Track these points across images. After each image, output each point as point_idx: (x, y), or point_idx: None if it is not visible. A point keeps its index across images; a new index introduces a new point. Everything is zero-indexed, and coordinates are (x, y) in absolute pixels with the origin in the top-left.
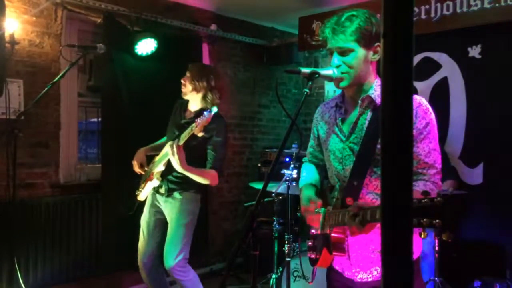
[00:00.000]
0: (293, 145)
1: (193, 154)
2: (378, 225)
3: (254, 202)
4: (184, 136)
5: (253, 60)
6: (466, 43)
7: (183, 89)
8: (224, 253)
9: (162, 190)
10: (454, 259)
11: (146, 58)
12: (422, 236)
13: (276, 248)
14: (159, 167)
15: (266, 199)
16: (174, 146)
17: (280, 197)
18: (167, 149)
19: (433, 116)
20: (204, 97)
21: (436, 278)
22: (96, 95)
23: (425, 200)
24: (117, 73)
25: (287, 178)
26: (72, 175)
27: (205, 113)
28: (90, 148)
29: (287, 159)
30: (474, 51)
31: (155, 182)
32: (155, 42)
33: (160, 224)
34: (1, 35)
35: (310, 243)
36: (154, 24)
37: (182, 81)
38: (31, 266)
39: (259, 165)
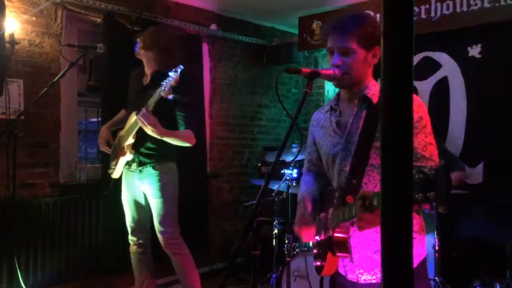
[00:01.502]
0: (293, 145)
1: (163, 120)
2: None
3: (254, 202)
4: (153, 102)
5: (253, 60)
6: (466, 42)
7: (139, 57)
8: (224, 253)
9: (134, 166)
10: (454, 259)
11: None
12: (419, 213)
13: (276, 248)
14: (129, 140)
15: (266, 199)
16: (145, 113)
17: (281, 197)
18: (133, 120)
19: (426, 111)
20: (156, 60)
21: (436, 278)
22: (96, 95)
23: (419, 175)
24: (117, 73)
25: (288, 178)
26: (72, 175)
27: (171, 74)
28: (90, 148)
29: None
30: (474, 51)
31: (128, 156)
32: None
33: (138, 201)
34: (1, 35)
35: (315, 251)
36: (154, 24)
37: (136, 54)
38: (31, 266)
39: (259, 165)
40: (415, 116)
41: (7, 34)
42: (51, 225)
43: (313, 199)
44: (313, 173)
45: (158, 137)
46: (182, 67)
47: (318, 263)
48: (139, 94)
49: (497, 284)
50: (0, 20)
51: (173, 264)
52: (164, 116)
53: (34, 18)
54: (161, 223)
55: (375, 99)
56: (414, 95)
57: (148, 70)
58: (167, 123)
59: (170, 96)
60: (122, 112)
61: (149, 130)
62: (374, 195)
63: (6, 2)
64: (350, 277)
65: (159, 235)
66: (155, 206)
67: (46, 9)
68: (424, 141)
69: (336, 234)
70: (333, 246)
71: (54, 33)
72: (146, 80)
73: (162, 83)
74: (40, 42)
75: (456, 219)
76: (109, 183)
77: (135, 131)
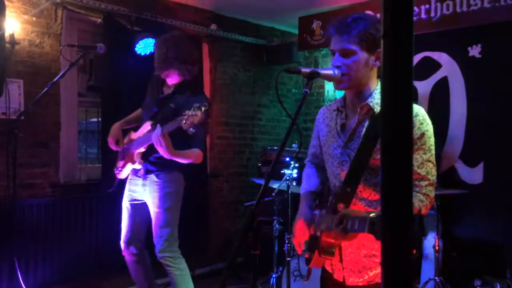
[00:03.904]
0: (293, 145)
1: (177, 137)
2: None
3: (254, 202)
4: (170, 129)
5: (253, 60)
6: (466, 42)
7: (159, 72)
8: (224, 253)
9: (140, 172)
10: (454, 259)
11: (146, 58)
12: None
13: (276, 248)
14: (140, 149)
15: (266, 199)
16: (159, 135)
17: (280, 197)
18: (147, 130)
19: (430, 127)
20: (179, 72)
21: (436, 278)
22: (96, 95)
23: None
24: (117, 73)
25: (288, 178)
26: (72, 175)
27: (195, 107)
28: (90, 148)
29: (287, 159)
30: (474, 51)
31: (136, 165)
32: (155, 42)
33: (139, 207)
34: (1, 35)
35: (307, 243)
36: (154, 24)
37: (155, 57)
38: (31, 266)
39: (260, 164)
40: (417, 132)
41: (7, 34)
42: (51, 225)
43: (315, 194)
44: (315, 166)
45: (168, 157)
46: (208, 105)
47: (307, 256)
48: (158, 103)
49: (497, 284)
50: (0, 20)
51: (169, 278)
52: (178, 135)
53: (34, 18)
54: (158, 235)
55: (378, 109)
56: (420, 108)
57: (169, 81)
58: (180, 142)
59: (191, 130)
60: (138, 111)
61: (161, 150)
62: (349, 219)
63: (6, 3)
64: (337, 276)
65: (155, 246)
66: (155, 216)
67: (46, 9)
68: (421, 158)
69: (323, 238)
70: (319, 248)
71: (54, 33)
72: (168, 89)
73: (184, 113)
74: (40, 42)
75: (456, 219)
76: (113, 181)
77: (148, 143)
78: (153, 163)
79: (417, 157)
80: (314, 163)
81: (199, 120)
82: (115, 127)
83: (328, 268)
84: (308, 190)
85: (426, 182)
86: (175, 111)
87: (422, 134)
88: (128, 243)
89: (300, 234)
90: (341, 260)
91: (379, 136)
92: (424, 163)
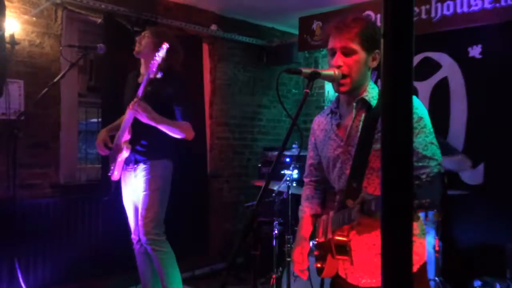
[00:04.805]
0: (294, 145)
1: (162, 111)
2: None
3: (254, 202)
4: (142, 88)
5: (253, 60)
6: (466, 43)
7: (137, 48)
8: (224, 253)
9: (130, 166)
10: (454, 259)
11: None
12: (414, 219)
13: (276, 248)
14: (125, 137)
15: (266, 199)
16: (136, 100)
17: (281, 197)
18: (127, 115)
19: (425, 112)
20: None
21: (436, 278)
22: (96, 95)
23: (416, 182)
24: (117, 73)
25: (288, 179)
26: (72, 175)
27: (157, 54)
28: (90, 148)
29: (288, 159)
30: (475, 51)
31: (124, 153)
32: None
33: (139, 199)
34: (1, 36)
35: (316, 253)
36: (154, 24)
37: (135, 53)
38: (31, 266)
39: (260, 165)
40: (414, 117)
41: (7, 34)
42: (51, 226)
43: (314, 218)
44: (314, 183)
45: (154, 124)
46: (168, 45)
47: (319, 265)
48: (135, 92)
49: (497, 284)
50: (0, 20)
51: (154, 263)
52: (161, 111)
53: (34, 18)
54: (143, 216)
55: (373, 102)
56: (413, 97)
57: (145, 70)
58: (166, 117)
59: (159, 74)
60: (123, 116)
61: (143, 117)
62: (373, 200)
63: (6, 3)
64: (351, 279)
65: (140, 229)
66: (142, 198)
67: (46, 9)
68: (424, 141)
69: (336, 237)
70: (333, 249)
71: (54, 34)
72: (142, 78)
73: (150, 65)
74: (40, 42)
75: (457, 219)
76: (109, 187)
77: (129, 125)
78: (140, 152)
79: (420, 140)
80: (312, 182)
81: (161, 59)
82: (102, 132)
83: (341, 273)
84: (308, 214)
85: (435, 162)
86: (152, 93)
87: (420, 118)
88: (136, 234)
89: (299, 261)
90: (352, 263)
91: (376, 127)
92: (428, 145)
